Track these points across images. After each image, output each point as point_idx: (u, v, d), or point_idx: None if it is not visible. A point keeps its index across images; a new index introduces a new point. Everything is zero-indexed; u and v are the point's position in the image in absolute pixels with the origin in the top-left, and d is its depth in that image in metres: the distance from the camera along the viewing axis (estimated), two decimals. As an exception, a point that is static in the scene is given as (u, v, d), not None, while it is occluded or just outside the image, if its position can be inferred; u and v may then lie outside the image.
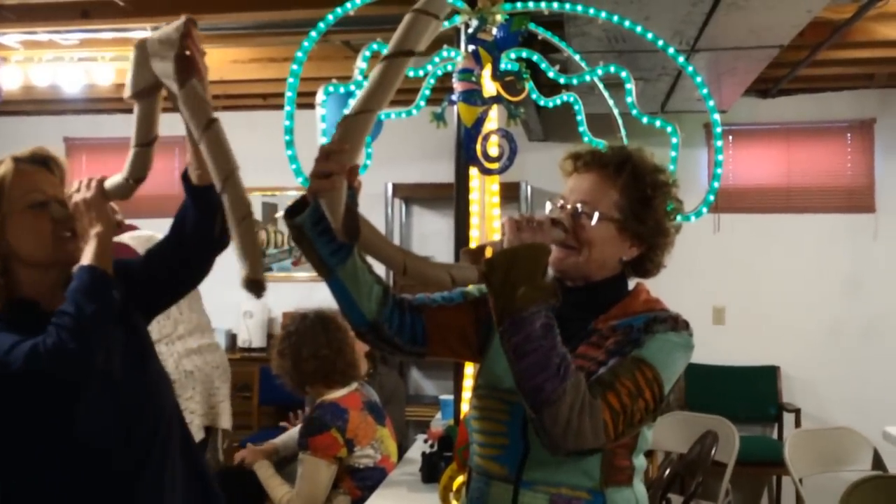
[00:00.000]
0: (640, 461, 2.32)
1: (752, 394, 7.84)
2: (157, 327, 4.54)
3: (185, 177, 2.38)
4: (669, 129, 3.72)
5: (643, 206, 2.29)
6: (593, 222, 2.26)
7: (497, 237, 3.12)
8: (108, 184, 2.37)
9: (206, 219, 2.29)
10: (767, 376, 7.89)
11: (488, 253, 2.16)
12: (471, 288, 2.41)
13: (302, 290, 7.62)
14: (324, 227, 1.98)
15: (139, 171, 2.35)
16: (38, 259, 2.33)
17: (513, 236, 2.12)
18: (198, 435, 4.67)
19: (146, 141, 2.34)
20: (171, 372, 4.52)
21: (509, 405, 2.24)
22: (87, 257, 2.25)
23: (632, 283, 2.40)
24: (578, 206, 2.28)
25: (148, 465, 2.39)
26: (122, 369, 2.35)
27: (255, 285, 1.87)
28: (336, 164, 1.89)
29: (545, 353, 2.03)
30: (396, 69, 1.94)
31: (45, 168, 2.41)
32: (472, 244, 3.78)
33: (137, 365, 2.42)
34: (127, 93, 2.27)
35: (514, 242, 2.11)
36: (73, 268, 2.35)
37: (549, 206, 2.38)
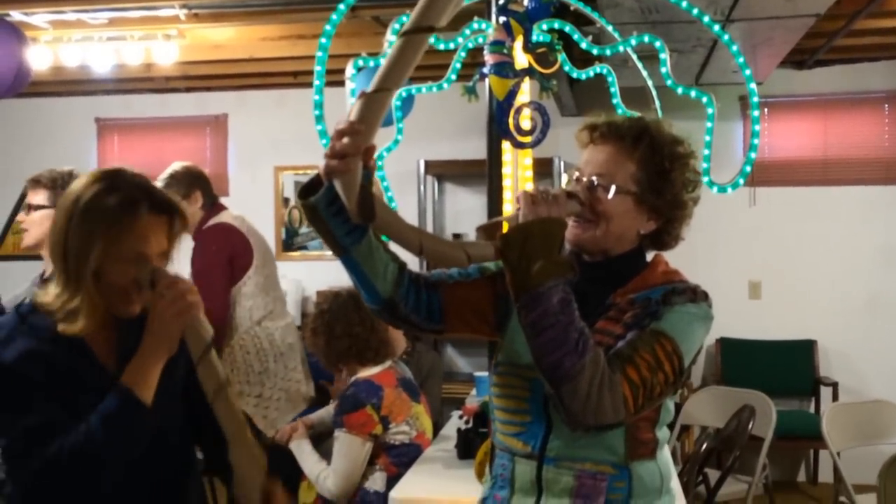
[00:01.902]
0: (663, 433, 2.31)
1: (788, 368, 7.81)
2: (262, 304, 5.05)
3: None
4: (705, 99, 3.68)
5: (661, 178, 2.26)
6: (610, 195, 2.23)
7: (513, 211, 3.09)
8: (196, 329, 2.30)
9: None
10: (804, 350, 7.84)
11: (504, 228, 2.13)
12: (488, 263, 2.38)
13: (334, 269, 7.49)
14: (338, 207, 1.97)
15: None
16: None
17: (528, 210, 2.09)
18: (303, 404, 5.13)
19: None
20: (279, 345, 5.05)
21: (530, 381, 2.23)
22: (133, 379, 2.23)
23: (649, 256, 2.37)
24: (594, 178, 2.25)
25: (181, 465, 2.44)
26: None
27: None
28: (350, 146, 1.87)
29: (563, 329, 2.01)
30: (416, 46, 1.90)
31: (169, 219, 2.35)
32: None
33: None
34: None
35: (529, 216, 2.08)
36: (126, 317, 2.34)
37: (565, 178, 2.35)
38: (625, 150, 2.26)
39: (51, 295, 2.27)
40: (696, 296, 2.22)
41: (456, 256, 2.11)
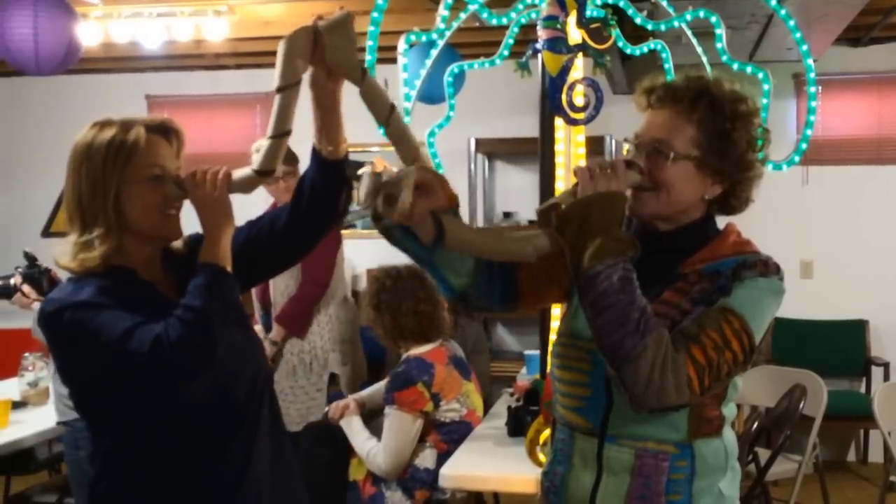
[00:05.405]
0: (729, 410, 2.25)
1: (840, 348, 7.75)
2: (341, 286, 5.46)
3: (315, 152, 2.45)
4: (761, 75, 3.63)
5: (723, 140, 2.16)
6: (669, 162, 2.15)
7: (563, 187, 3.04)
8: (235, 176, 2.38)
9: (333, 192, 2.38)
10: (856, 330, 7.77)
11: (562, 200, 2.09)
12: None
13: (385, 247, 7.50)
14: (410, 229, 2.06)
15: (269, 163, 2.38)
16: (142, 230, 2.36)
17: (586, 185, 2.03)
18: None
19: (281, 132, 2.37)
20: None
21: (592, 355, 2.16)
22: (210, 255, 2.28)
23: (721, 223, 2.29)
24: (653, 145, 2.18)
25: (242, 425, 2.43)
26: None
27: None
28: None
29: (624, 308, 1.96)
30: None
31: (166, 139, 2.43)
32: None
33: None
34: (276, 84, 2.30)
35: (588, 192, 2.03)
36: (171, 243, 2.45)
37: (626, 146, 2.29)
38: (682, 113, 2.17)
39: (67, 248, 2.32)
40: (768, 268, 2.14)
41: (525, 253, 2.15)
